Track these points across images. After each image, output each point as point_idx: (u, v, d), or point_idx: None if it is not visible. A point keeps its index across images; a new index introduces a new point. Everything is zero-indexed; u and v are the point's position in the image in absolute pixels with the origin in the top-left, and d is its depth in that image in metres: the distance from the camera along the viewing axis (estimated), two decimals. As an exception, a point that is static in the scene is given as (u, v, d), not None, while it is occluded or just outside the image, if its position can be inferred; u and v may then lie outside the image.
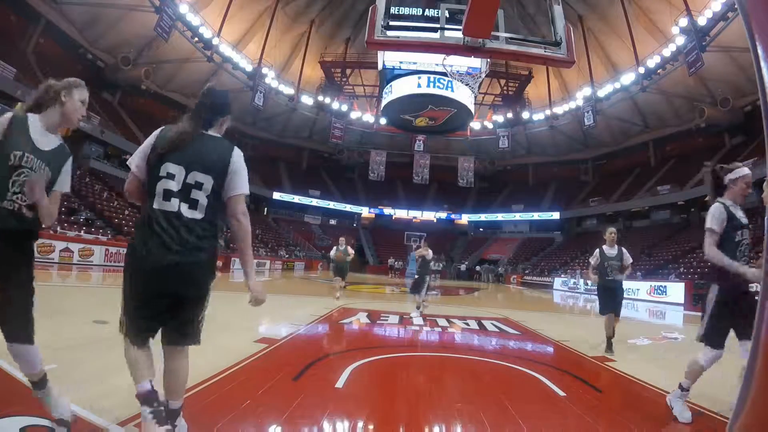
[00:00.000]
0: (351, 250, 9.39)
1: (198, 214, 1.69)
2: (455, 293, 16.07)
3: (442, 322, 6.54)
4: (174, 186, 1.67)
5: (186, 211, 1.67)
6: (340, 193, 40.43)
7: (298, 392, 2.63)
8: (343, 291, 9.50)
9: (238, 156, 1.81)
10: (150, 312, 1.69)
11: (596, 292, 5.09)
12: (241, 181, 1.79)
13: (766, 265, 1.47)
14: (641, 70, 25.52)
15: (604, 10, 26.16)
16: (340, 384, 2.88)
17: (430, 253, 7.92)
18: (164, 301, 1.69)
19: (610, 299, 4.81)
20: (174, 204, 1.66)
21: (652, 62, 24.76)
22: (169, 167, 1.68)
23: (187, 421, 1.96)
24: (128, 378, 2.56)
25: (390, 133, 35.41)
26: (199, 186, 1.70)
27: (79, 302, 6.17)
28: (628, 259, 4.92)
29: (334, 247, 9.58)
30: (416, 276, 7.94)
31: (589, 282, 21.22)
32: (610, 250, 4.89)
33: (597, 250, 4.92)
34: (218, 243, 1.81)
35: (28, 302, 1.72)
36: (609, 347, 4.66)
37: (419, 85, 25.37)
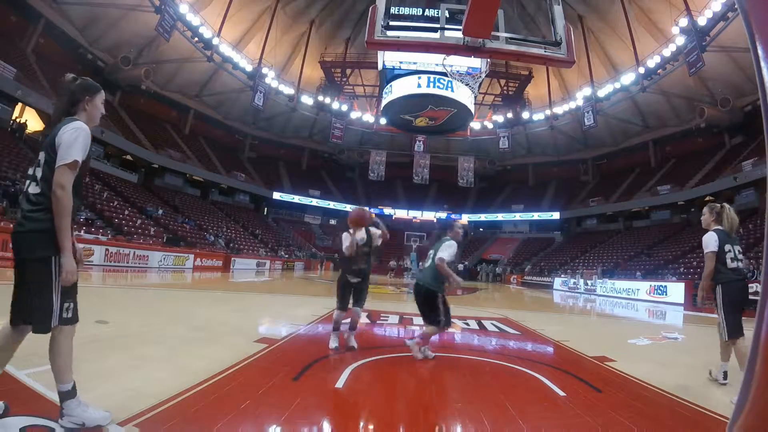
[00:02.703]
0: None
1: (36, 188, 1.80)
2: (453, 293, 16.06)
3: (442, 322, 6.53)
4: (30, 170, 1.86)
5: (31, 188, 1.82)
6: (340, 193, 40.43)
7: (298, 392, 2.63)
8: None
9: (68, 128, 1.82)
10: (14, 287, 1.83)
11: (723, 302, 3.28)
12: (63, 152, 1.77)
13: (767, 265, 1.47)
14: (641, 70, 25.52)
15: (604, 10, 26.17)
16: (340, 384, 2.88)
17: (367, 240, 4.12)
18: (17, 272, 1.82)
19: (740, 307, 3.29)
20: (27, 185, 1.86)
21: (652, 62, 24.77)
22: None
23: (187, 421, 1.96)
24: (128, 378, 2.57)
25: (390, 133, 35.42)
26: (38, 163, 1.83)
27: (79, 302, 6.16)
28: None
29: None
30: (358, 280, 4.16)
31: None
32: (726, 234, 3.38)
33: (712, 236, 3.36)
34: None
35: None
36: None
37: (419, 85, 25.36)
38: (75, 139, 1.79)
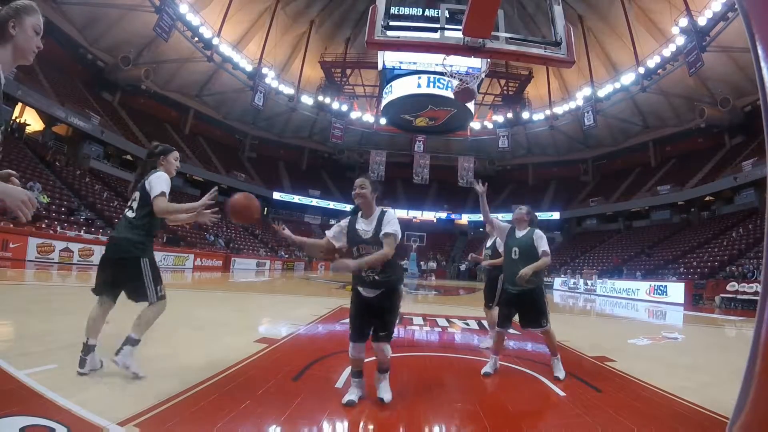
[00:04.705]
0: None
1: (132, 214, 2.71)
2: (455, 293, 16.07)
3: (442, 322, 6.54)
4: (130, 202, 2.80)
5: (128, 213, 2.74)
6: (340, 193, 40.39)
7: (298, 392, 2.63)
8: None
9: (155, 175, 2.73)
10: (103, 276, 2.71)
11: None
12: (154, 188, 2.67)
13: (767, 265, 1.47)
14: (641, 70, 25.52)
15: (604, 10, 26.17)
16: (340, 384, 2.88)
17: None
18: (108, 267, 2.71)
19: None
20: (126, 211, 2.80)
21: (652, 62, 24.76)
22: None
23: (187, 421, 1.96)
24: (128, 377, 2.57)
25: (390, 133, 35.41)
26: (134, 198, 2.75)
27: (79, 302, 6.16)
28: None
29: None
30: (373, 294, 2.64)
31: (589, 282, 21.30)
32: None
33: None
34: (145, 231, 2.70)
35: None
36: None
37: (419, 85, 25.39)
38: (159, 180, 2.69)
